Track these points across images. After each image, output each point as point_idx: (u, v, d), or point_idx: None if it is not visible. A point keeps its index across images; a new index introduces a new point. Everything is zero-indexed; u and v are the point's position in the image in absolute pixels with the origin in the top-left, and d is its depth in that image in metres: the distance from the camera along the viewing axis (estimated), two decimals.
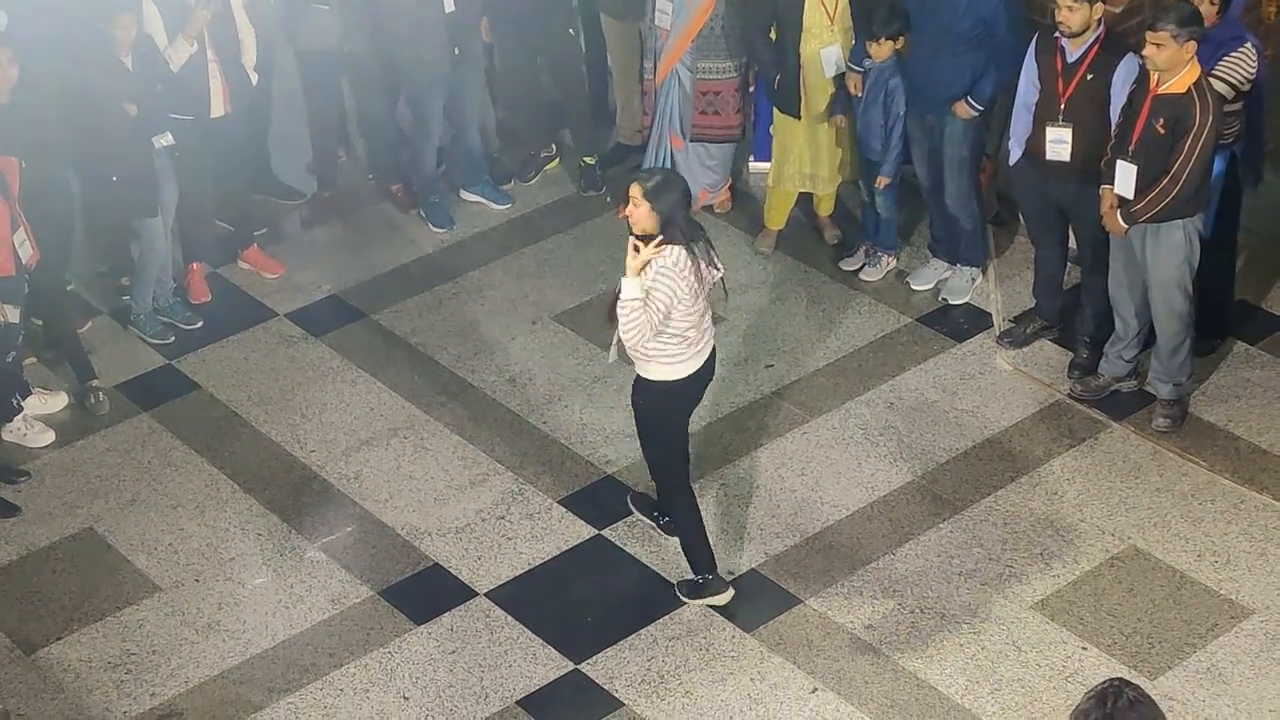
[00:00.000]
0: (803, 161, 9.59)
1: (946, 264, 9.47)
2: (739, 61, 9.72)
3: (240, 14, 9.34)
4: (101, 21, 8.73)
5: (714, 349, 7.50)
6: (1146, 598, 7.70)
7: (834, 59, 9.27)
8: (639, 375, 7.41)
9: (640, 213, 7.10)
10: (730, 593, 7.75)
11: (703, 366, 7.41)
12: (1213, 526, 8.03)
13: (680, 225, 7.12)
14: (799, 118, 9.43)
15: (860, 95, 9.16)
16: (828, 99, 9.38)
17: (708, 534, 7.77)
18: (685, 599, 7.78)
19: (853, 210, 9.93)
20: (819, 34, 9.25)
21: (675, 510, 7.76)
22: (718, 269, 7.38)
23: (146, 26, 9.00)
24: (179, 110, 9.14)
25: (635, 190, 7.12)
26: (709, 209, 10.06)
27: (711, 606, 7.73)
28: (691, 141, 9.82)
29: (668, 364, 7.31)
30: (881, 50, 8.99)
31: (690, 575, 7.79)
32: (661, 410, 7.48)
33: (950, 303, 9.31)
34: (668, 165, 9.79)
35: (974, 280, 9.37)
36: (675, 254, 7.12)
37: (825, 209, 9.91)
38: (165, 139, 9.07)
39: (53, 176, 8.67)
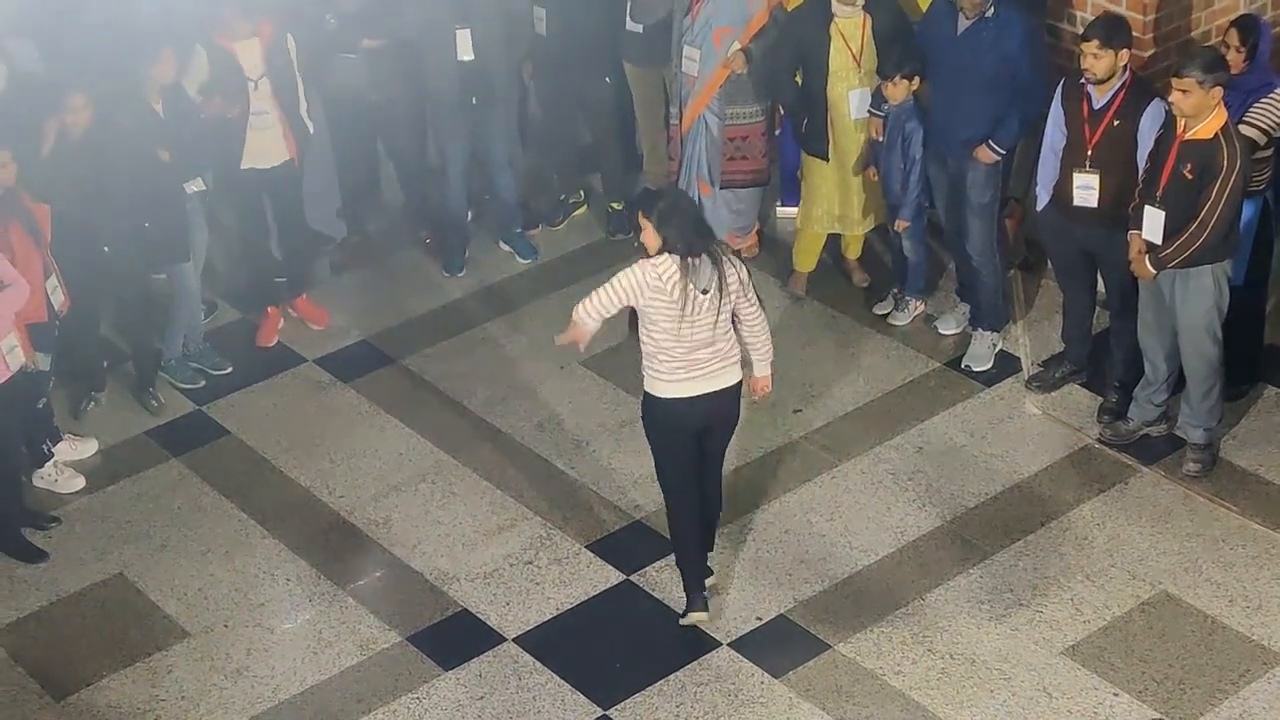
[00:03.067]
0: (831, 203, 9.61)
1: (971, 313, 9.44)
2: (765, 105, 9.76)
3: (294, 65, 9.38)
4: (140, 65, 8.75)
5: (727, 390, 7.51)
6: (1178, 643, 7.67)
7: (861, 101, 9.30)
8: None
9: (646, 235, 7.27)
10: (703, 615, 7.81)
11: (696, 397, 7.44)
12: (1244, 572, 8.00)
13: (681, 244, 7.24)
14: (827, 159, 9.46)
15: (881, 140, 9.18)
16: (855, 141, 9.40)
17: (697, 554, 7.83)
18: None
19: (881, 254, 9.93)
20: (845, 76, 9.27)
21: (666, 509, 7.86)
22: (706, 291, 7.31)
23: (194, 74, 9.05)
24: (244, 160, 9.26)
25: (640, 216, 7.30)
26: (736, 254, 10.06)
27: (728, 636, 7.76)
28: (721, 189, 9.84)
29: (651, 378, 7.47)
30: (897, 91, 9.01)
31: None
32: (649, 426, 7.61)
33: (974, 369, 9.25)
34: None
35: (995, 346, 9.30)
36: (661, 261, 7.24)
37: (853, 252, 9.92)
38: (196, 184, 9.12)
39: (85, 222, 8.73)
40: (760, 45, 9.52)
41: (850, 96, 9.30)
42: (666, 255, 7.23)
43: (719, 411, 7.57)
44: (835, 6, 9.19)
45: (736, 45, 9.48)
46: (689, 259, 7.23)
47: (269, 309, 9.72)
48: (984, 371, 9.23)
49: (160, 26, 9.24)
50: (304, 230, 9.96)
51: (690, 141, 9.82)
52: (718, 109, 9.70)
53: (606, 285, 7.36)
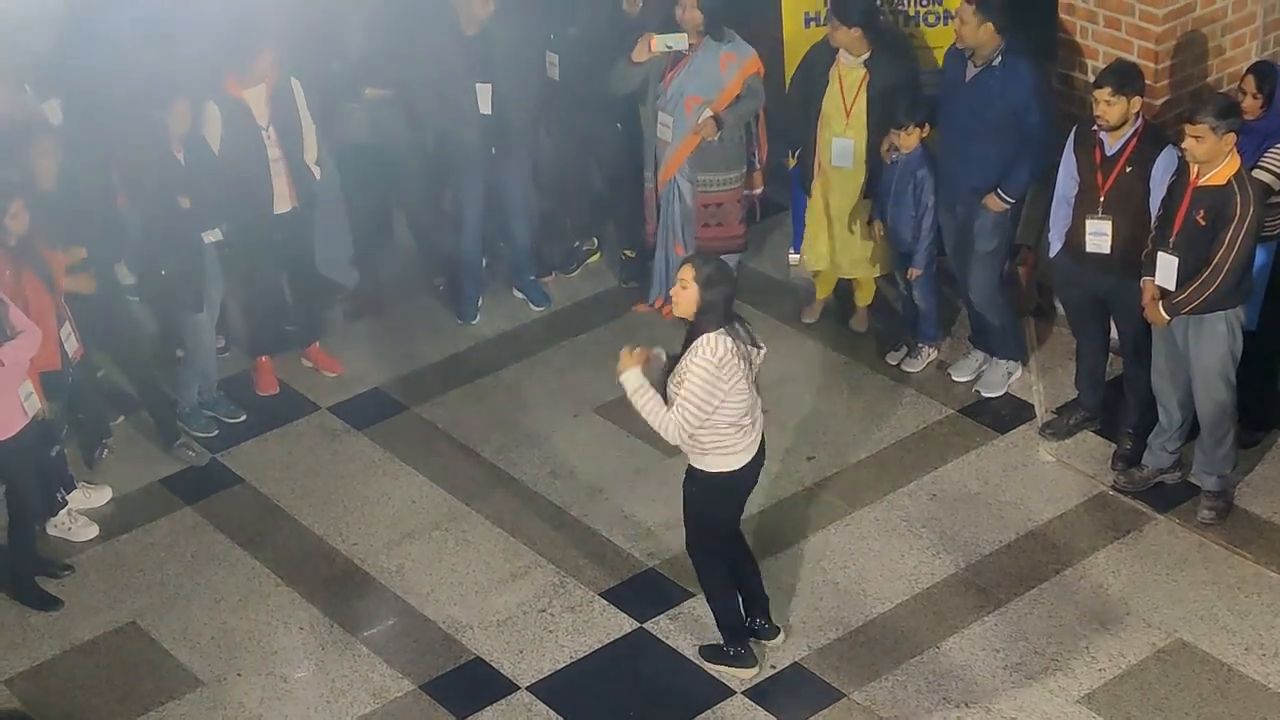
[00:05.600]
0: (818, 241, 9.67)
1: (986, 355, 9.46)
2: (740, 173, 9.77)
3: (304, 111, 9.40)
4: (157, 110, 8.78)
5: (763, 437, 7.50)
6: (1194, 692, 7.63)
7: (843, 150, 9.33)
8: (692, 466, 7.40)
9: (687, 295, 7.13)
10: (753, 670, 7.77)
11: (757, 454, 7.43)
12: (1260, 619, 7.97)
13: (720, 312, 7.14)
14: (809, 195, 9.54)
15: (890, 160, 9.21)
16: (838, 188, 9.45)
17: (739, 606, 7.79)
18: (705, 660, 7.84)
19: (893, 302, 9.94)
20: (831, 123, 9.33)
21: (701, 573, 7.72)
22: (759, 347, 7.34)
23: (205, 128, 9.07)
24: (241, 207, 9.23)
25: (687, 272, 7.16)
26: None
27: (742, 684, 7.74)
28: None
29: (725, 454, 7.31)
30: (909, 140, 9.05)
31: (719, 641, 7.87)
32: (714, 504, 7.49)
33: (984, 395, 9.27)
34: (675, 269, 9.80)
35: (1010, 374, 9.34)
36: (712, 342, 7.12)
37: (863, 299, 9.94)
38: (214, 235, 9.13)
39: (101, 268, 8.76)
40: (734, 113, 9.55)
41: (833, 144, 9.34)
42: (713, 336, 7.10)
43: (761, 463, 7.55)
44: (840, 53, 9.25)
45: (708, 112, 9.52)
46: (732, 324, 7.18)
47: (260, 359, 9.72)
48: (995, 398, 9.23)
49: (166, 76, 9.24)
50: (315, 277, 9.98)
51: (665, 202, 9.84)
52: (689, 174, 9.72)
53: (691, 401, 7.09)
